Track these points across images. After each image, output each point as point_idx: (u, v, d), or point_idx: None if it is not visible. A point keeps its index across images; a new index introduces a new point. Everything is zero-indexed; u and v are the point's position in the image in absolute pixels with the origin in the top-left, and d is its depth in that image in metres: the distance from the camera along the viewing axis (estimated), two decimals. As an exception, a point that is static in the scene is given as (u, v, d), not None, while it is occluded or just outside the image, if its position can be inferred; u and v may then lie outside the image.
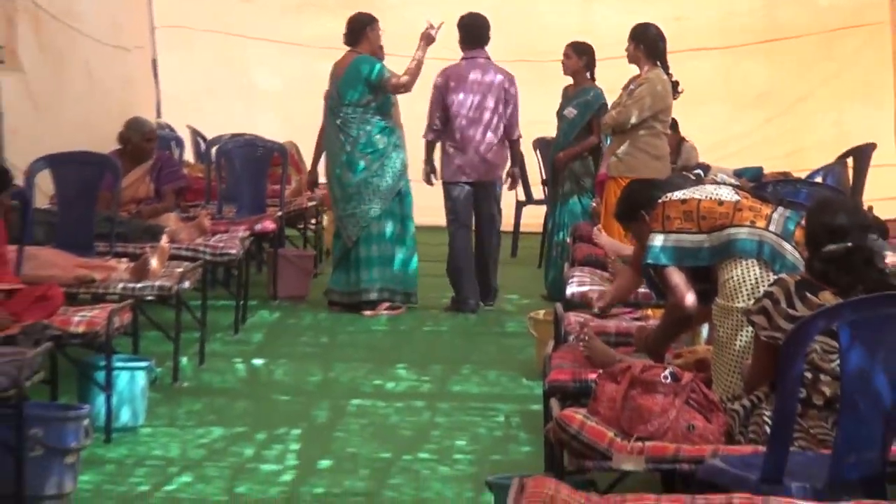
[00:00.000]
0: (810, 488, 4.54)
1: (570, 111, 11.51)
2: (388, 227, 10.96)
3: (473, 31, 11.42)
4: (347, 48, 11.06)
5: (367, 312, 10.85)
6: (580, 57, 11.49)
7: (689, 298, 5.99)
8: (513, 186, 12.00)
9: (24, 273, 7.75)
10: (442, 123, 11.23)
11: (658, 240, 6.03)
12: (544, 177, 13.52)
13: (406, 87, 10.87)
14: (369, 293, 10.92)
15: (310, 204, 13.06)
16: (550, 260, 11.71)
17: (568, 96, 11.63)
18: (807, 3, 14.95)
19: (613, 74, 11.03)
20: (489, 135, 11.23)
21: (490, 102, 11.23)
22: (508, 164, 11.56)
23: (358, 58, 10.89)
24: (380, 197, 10.92)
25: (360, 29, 11.02)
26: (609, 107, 10.58)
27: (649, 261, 6.08)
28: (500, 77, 11.34)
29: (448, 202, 11.40)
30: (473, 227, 11.54)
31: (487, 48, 11.42)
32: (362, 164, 10.87)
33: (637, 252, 6.67)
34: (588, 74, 11.50)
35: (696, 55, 13.80)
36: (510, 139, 11.45)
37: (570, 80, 11.64)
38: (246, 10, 15.64)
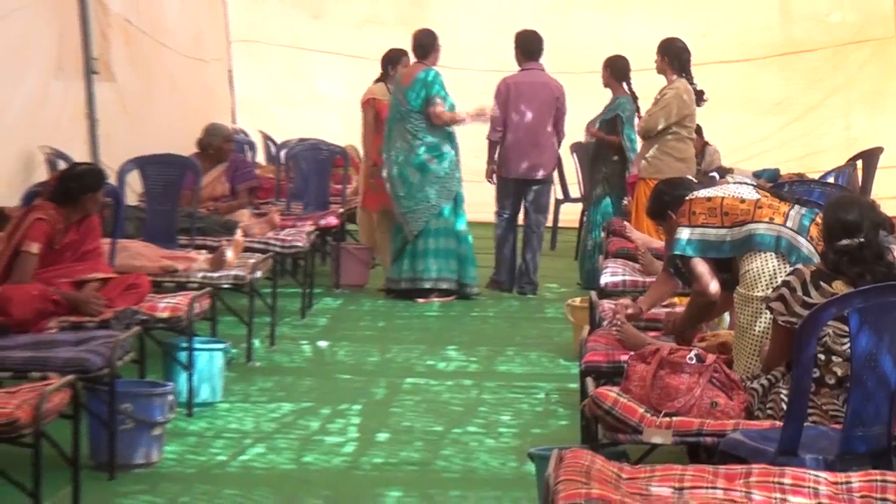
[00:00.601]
0: (823, 460, 4.53)
1: (601, 116, 11.52)
2: (445, 222, 10.98)
3: (529, 46, 11.52)
4: (415, 60, 11.12)
5: (420, 300, 10.87)
6: (605, 69, 11.52)
7: (713, 287, 5.99)
8: None
9: (116, 263, 7.82)
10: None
11: (685, 233, 6.03)
12: (580, 178, 13.49)
13: (439, 120, 10.88)
14: (424, 282, 10.94)
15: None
16: (585, 253, 11.70)
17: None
18: (818, 20, 14.88)
19: (646, 84, 11.01)
20: (541, 136, 11.29)
21: (543, 108, 11.32)
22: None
23: (426, 69, 10.94)
24: (440, 185, 10.96)
25: (431, 44, 11.10)
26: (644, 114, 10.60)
27: (676, 252, 6.09)
28: (552, 86, 11.45)
29: (498, 194, 11.55)
30: (520, 218, 11.67)
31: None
32: (430, 165, 10.93)
33: (667, 251, 6.67)
34: (623, 84, 11.48)
35: (718, 67, 13.74)
36: (558, 139, 11.59)
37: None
38: (312, 27, 15.71)
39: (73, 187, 7.15)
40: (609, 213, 11.33)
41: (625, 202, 11.11)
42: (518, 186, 11.44)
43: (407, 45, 11.28)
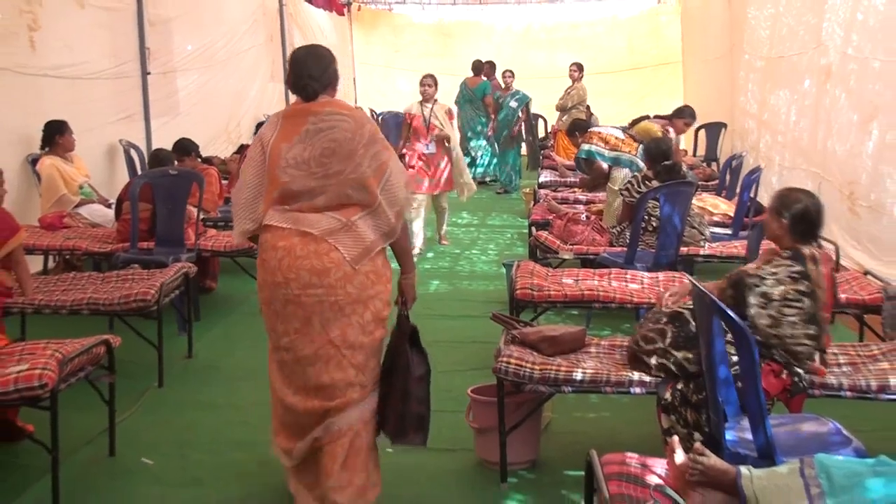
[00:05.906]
0: (645, 267, 4.59)
1: (513, 104, 10.40)
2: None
3: (486, 67, 11.14)
4: (472, 74, 10.91)
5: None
6: (513, 77, 10.69)
7: (605, 167, 5.99)
8: None
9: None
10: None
11: (585, 147, 6.05)
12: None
13: (490, 106, 10.63)
14: (478, 179, 10.60)
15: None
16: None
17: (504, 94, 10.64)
18: (645, 52, 14.61)
19: (564, 85, 10.80)
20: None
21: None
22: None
23: (485, 81, 10.89)
24: (486, 137, 10.75)
25: (480, 67, 10.95)
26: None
27: (582, 156, 6.14)
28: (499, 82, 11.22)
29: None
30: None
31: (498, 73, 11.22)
32: (480, 127, 10.78)
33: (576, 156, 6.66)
34: (513, 84, 10.61)
35: (599, 76, 13.49)
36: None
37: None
38: (395, 55, 15.50)
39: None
40: (515, 156, 10.59)
41: (550, 143, 10.93)
42: None
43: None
